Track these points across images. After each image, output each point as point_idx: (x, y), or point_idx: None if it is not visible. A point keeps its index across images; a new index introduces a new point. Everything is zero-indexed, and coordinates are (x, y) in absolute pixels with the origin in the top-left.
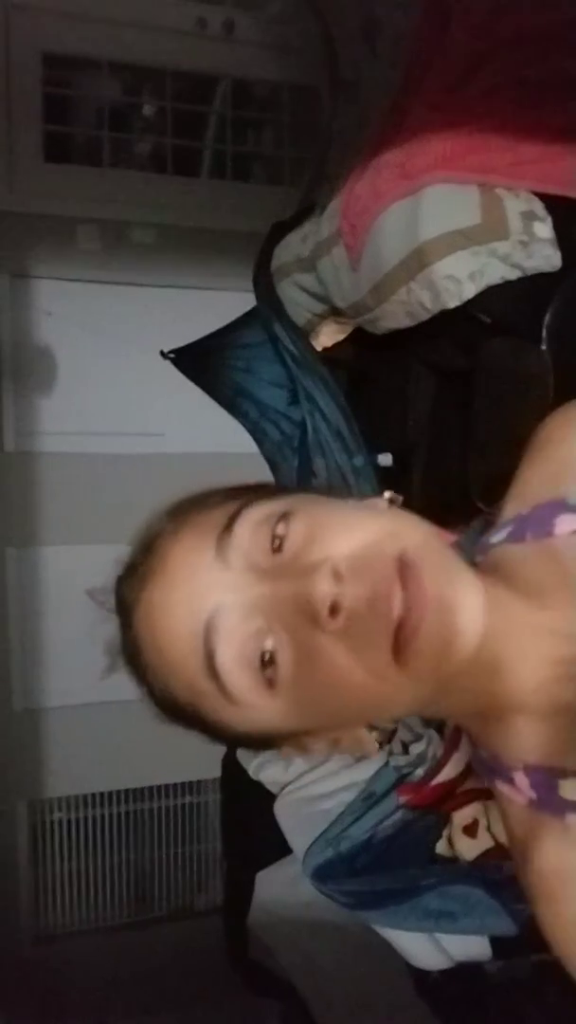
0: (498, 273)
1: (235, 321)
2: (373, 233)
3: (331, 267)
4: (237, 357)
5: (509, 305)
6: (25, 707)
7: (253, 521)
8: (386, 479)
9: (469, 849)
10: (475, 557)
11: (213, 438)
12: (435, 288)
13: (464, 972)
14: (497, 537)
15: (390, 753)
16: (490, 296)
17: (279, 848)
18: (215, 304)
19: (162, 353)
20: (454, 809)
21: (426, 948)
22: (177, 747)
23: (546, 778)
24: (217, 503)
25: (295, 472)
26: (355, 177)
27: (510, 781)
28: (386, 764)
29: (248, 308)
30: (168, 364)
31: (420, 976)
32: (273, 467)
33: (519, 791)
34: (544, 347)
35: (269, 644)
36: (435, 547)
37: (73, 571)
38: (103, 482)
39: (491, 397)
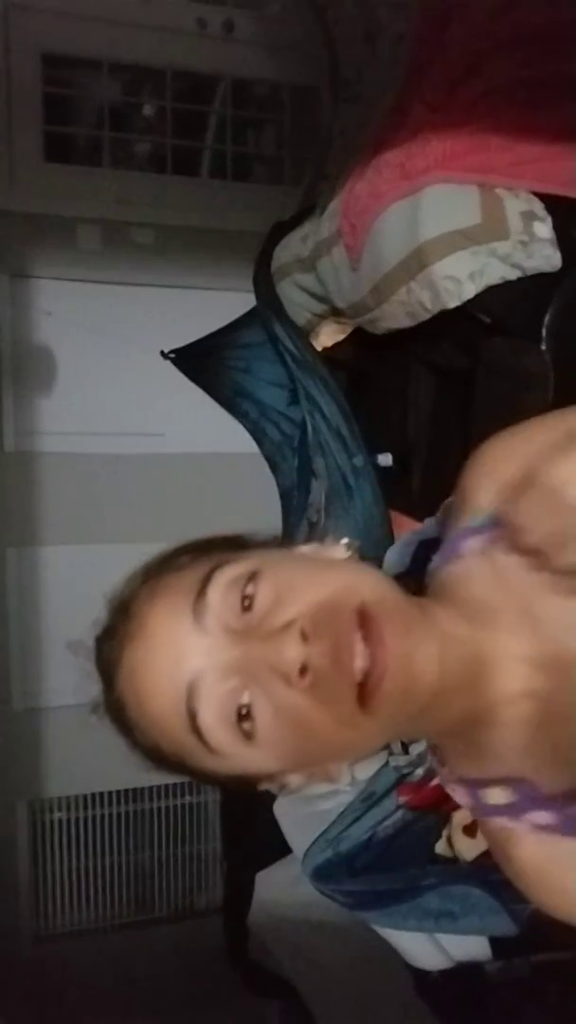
0: (498, 273)
1: (235, 321)
2: (373, 233)
3: (331, 267)
4: (237, 357)
5: (509, 305)
6: (25, 707)
7: (223, 584)
8: (386, 479)
9: (469, 849)
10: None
11: (213, 438)
12: (435, 288)
13: (464, 972)
14: (436, 560)
15: (390, 753)
16: (490, 296)
17: (279, 848)
18: (215, 304)
19: (162, 353)
20: (454, 809)
21: (426, 948)
22: None
23: (472, 789)
24: (187, 564)
25: (295, 472)
26: (355, 177)
27: (454, 792)
28: (386, 764)
29: (248, 308)
30: (168, 364)
31: (420, 976)
32: (273, 467)
33: (462, 800)
34: (544, 347)
35: (245, 699)
36: (391, 597)
37: (73, 571)
38: (103, 482)
39: (491, 397)
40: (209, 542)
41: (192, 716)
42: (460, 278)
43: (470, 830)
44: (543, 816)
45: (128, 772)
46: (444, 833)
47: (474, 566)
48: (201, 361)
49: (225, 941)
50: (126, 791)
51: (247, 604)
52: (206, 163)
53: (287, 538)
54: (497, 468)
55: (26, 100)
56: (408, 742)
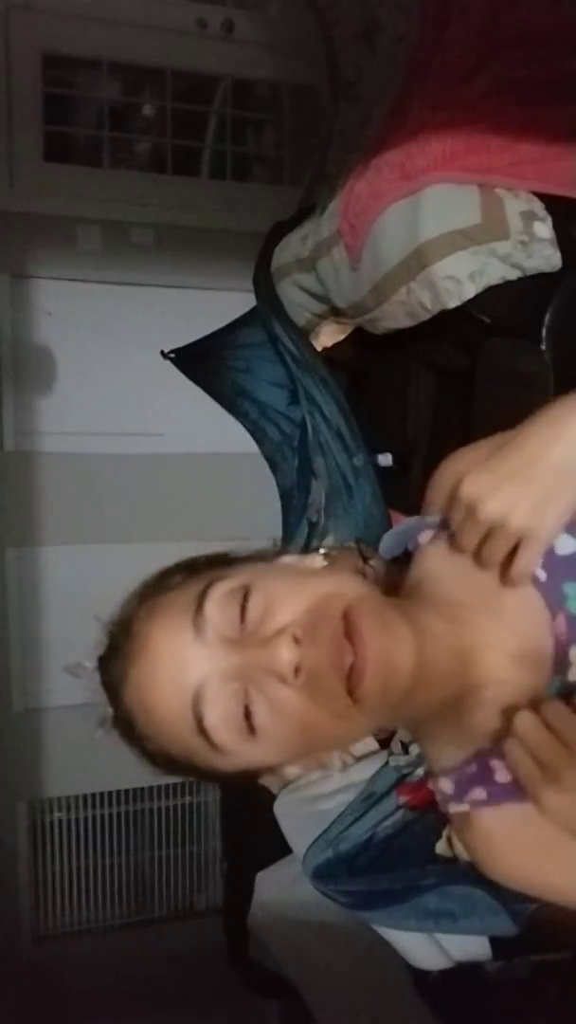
0: (498, 273)
1: (235, 321)
2: (373, 233)
3: (331, 267)
4: (237, 357)
5: (509, 305)
6: (25, 707)
7: (218, 599)
8: (386, 479)
9: None
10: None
11: (213, 438)
12: (435, 288)
13: (464, 972)
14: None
15: (390, 753)
16: (490, 296)
17: (279, 848)
18: (215, 304)
19: (162, 353)
20: None
21: (426, 948)
22: None
23: (433, 779)
24: (180, 583)
25: (295, 472)
26: (355, 177)
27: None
28: (386, 764)
29: (248, 308)
30: (168, 364)
31: (420, 976)
32: (273, 467)
33: (448, 790)
34: (544, 347)
35: (246, 700)
36: (370, 601)
37: (73, 571)
38: (103, 482)
39: (491, 397)
40: (197, 562)
41: (199, 720)
42: (460, 278)
43: None
44: (479, 792)
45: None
46: (444, 833)
47: (439, 566)
48: (201, 361)
49: (225, 941)
50: (126, 791)
51: (241, 616)
52: (206, 163)
53: (287, 537)
54: (446, 477)
55: (26, 100)
56: (393, 730)
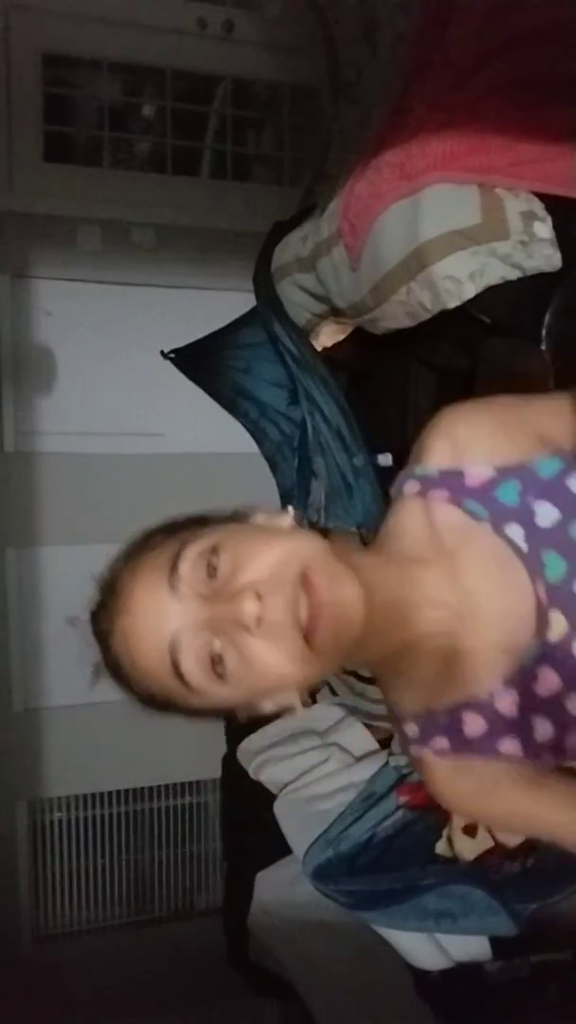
0: (498, 273)
1: (235, 321)
2: (373, 233)
3: (331, 267)
4: (237, 357)
5: (509, 305)
6: (25, 707)
7: (191, 558)
8: (386, 479)
9: (469, 849)
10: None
11: (213, 438)
12: (435, 288)
13: (464, 972)
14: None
15: (390, 754)
16: (490, 296)
17: (279, 848)
18: (215, 304)
19: (162, 353)
20: None
21: (426, 948)
22: (177, 747)
23: (397, 721)
24: (160, 543)
25: (295, 472)
26: (355, 177)
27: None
28: (386, 764)
29: (248, 308)
30: (168, 364)
31: (420, 976)
32: (273, 467)
33: (411, 733)
34: (544, 347)
35: (216, 648)
36: (325, 559)
37: (73, 571)
38: (103, 482)
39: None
40: (176, 523)
41: (176, 665)
42: (460, 278)
43: (470, 830)
44: (442, 741)
45: (128, 772)
46: (444, 833)
47: (411, 521)
48: (201, 361)
49: (225, 941)
50: (126, 791)
51: (212, 572)
52: (206, 163)
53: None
54: (452, 431)
55: (26, 100)
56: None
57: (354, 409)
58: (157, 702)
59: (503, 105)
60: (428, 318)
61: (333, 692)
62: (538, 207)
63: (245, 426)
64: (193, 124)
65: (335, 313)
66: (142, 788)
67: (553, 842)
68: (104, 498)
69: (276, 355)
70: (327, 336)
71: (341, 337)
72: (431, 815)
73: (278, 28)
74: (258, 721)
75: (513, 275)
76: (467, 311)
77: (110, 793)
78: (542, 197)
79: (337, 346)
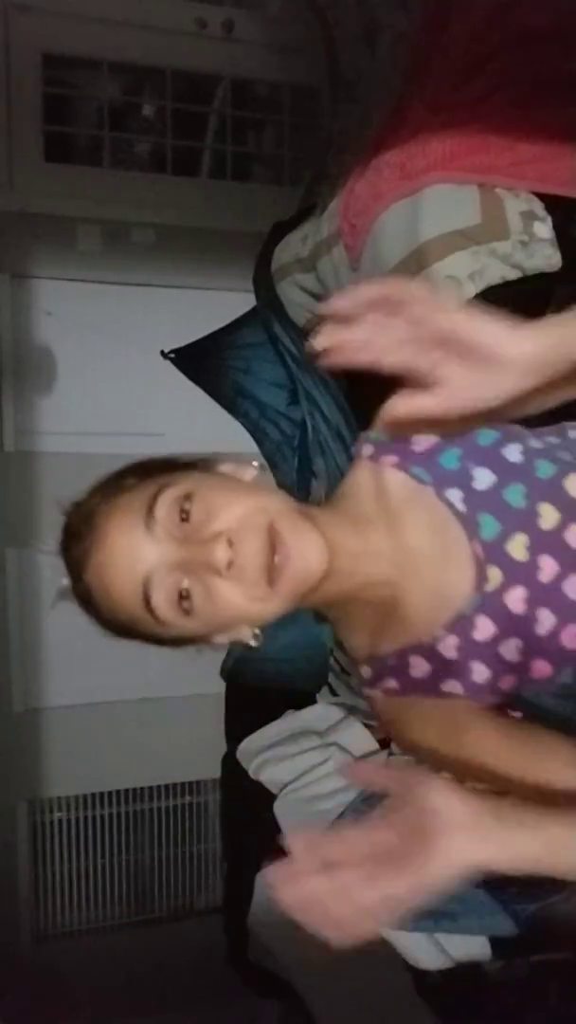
0: (498, 273)
1: (235, 321)
2: (373, 233)
3: (331, 267)
4: (237, 357)
5: (509, 305)
6: (25, 707)
7: (167, 503)
8: None
9: None
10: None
11: (213, 438)
12: (435, 288)
13: (464, 972)
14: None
15: (390, 754)
16: (490, 296)
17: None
18: (215, 304)
19: (162, 353)
20: None
21: (426, 948)
22: (177, 747)
23: (354, 664)
24: (135, 485)
25: (295, 472)
26: (355, 177)
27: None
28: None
29: (248, 308)
30: (168, 364)
31: (420, 976)
32: (273, 467)
33: (366, 675)
34: None
35: (185, 584)
36: (289, 513)
37: None
38: None
39: None
40: (148, 465)
41: (147, 599)
42: (460, 278)
43: None
44: (392, 682)
45: (128, 772)
46: None
47: (362, 482)
48: (201, 361)
49: (225, 941)
50: (126, 791)
51: (185, 517)
52: (206, 163)
53: None
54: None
55: (26, 100)
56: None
57: (354, 409)
58: (122, 628)
59: (503, 105)
60: None
61: (333, 692)
62: (538, 207)
63: (245, 426)
64: (193, 124)
65: None
66: (142, 788)
67: (490, 781)
68: None
69: (276, 355)
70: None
71: None
72: None
73: (278, 28)
74: (258, 721)
75: (513, 275)
76: None
77: (110, 793)
78: (542, 197)
79: None
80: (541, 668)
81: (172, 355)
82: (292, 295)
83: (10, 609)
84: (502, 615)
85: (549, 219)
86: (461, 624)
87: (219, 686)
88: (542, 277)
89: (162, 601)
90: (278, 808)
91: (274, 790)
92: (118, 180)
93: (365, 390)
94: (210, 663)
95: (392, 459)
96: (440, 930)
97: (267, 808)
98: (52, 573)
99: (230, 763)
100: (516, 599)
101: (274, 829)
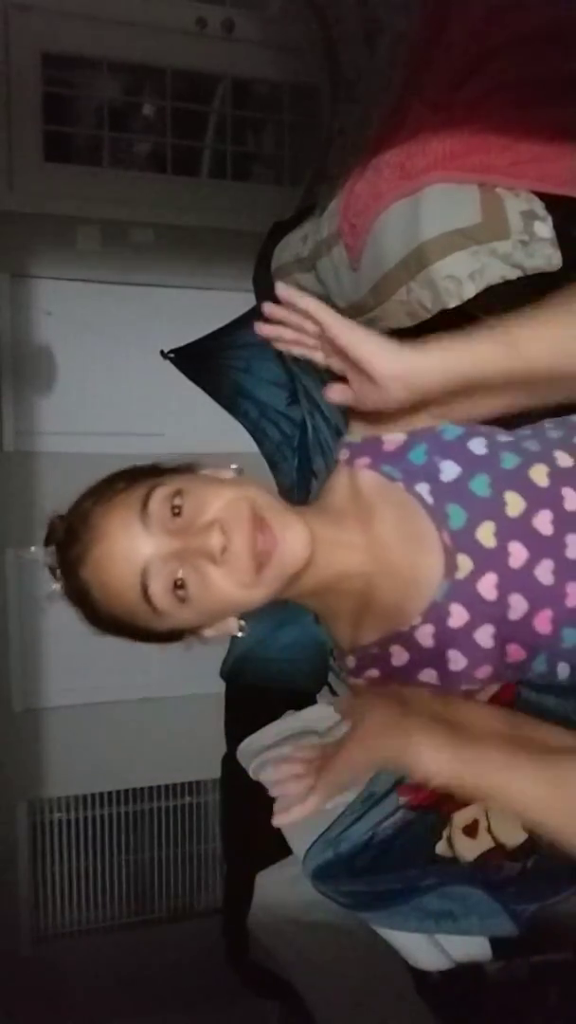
0: (498, 272)
1: (235, 321)
2: (373, 233)
3: (331, 267)
4: (237, 357)
5: (509, 305)
6: (25, 707)
7: (159, 500)
8: None
9: (469, 850)
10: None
11: (213, 438)
12: (435, 288)
13: (464, 973)
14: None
15: None
16: (490, 296)
17: (279, 849)
18: (215, 304)
19: (162, 353)
20: (454, 810)
21: (426, 949)
22: (177, 747)
23: (340, 655)
24: (126, 487)
25: (295, 472)
26: (355, 177)
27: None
28: None
29: (248, 308)
30: (168, 364)
31: (420, 976)
32: (273, 467)
33: (350, 664)
34: None
35: (180, 574)
36: (271, 501)
37: None
38: None
39: None
40: (135, 471)
41: (145, 589)
42: (460, 278)
43: (470, 831)
44: (374, 671)
45: (128, 772)
46: (444, 834)
47: (339, 483)
48: (201, 361)
49: (225, 941)
50: (126, 791)
51: (176, 512)
52: (206, 163)
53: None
54: None
55: (26, 100)
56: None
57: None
58: (116, 623)
59: (503, 104)
60: (428, 318)
61: (333, 692)
62: (538, 206)
63: (245, 426)
64: (193, 124)
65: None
66: (142, 788)
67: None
68: None
69: (276, 355)
70: None
71: None
72: (431, 816)
73: (278, 27)
74: (258, 721)
75: (513, 275)
76: (467, 311)
77: (110, 793)
78: (542, 196)
79: None
80: (515, 653)
81: (172, 355)
82: None
83: (10, 609)
84: (475, 602)
85: (550, 219)
86: (436, 612)
87: (219, 686)
88: (543, 277)
89: (159, 589)
90: None
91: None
92: (118, 180)
93: None
94: (210, 663)
95: (365, 460)
96: (440, 931)
97: (267, 809)
98: (51, 573)
99: (230, 763)
100: (488, 585)
101: (274, 829)
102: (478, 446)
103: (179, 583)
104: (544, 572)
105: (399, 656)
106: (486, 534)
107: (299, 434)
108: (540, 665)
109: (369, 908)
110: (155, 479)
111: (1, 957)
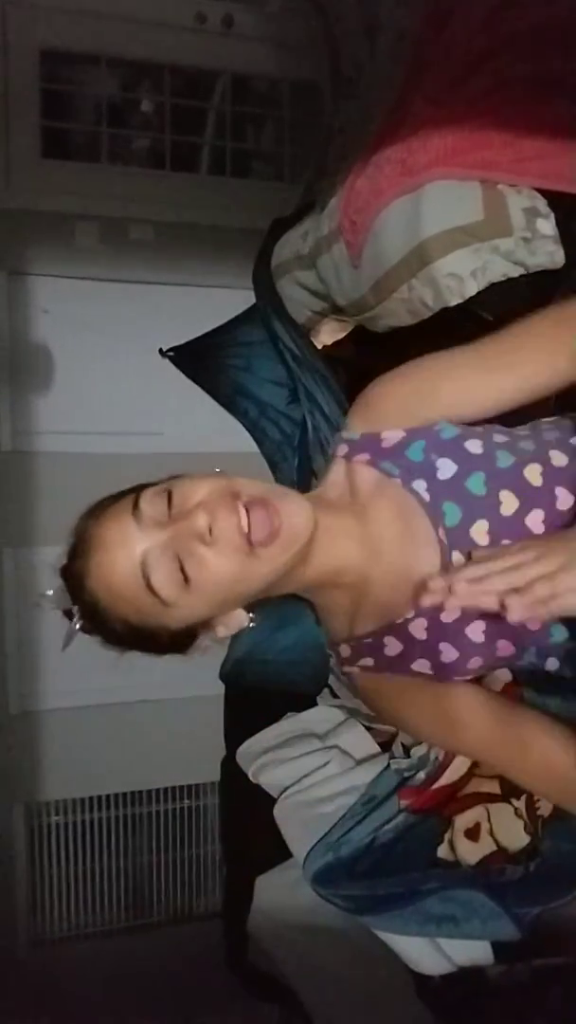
0: (500, 270)
1: (235, 319)
2: (374, 230)
3: (331, 264)
4: (237, 355)
5: (511, 302)
6: (22, 709)
7: (149, 498)
8: None
9: (471, 853)
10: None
11: (213, 438)
12: (437, 285)
13: (466, 976)
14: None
15: (391, 757)
16: (492, 293)
17: (279, 852)
18: (214, 302)
19: (161, 351)
20: (456, 813)
21: (427, 952)
22: (176, 750)
23: (333, 644)
24: (115, 500)
25: (295, 472)
26: (356, 173)
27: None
28: (387, 767)
29: (248, 306)
30: (167, 362)
31: (421, 980)
32: (273, 467)
33: (345, 653)
34: None
35: (179, 561)
36: (262, 485)
37: None
38: (101, 481)
39: None
40: (124, 490)
41: (147, 580)
42: (462, 275)
43: (472, 834)
44: (368, 660)
45: (126, 775)
46: (446, 837)
47: (337, 478)
48: (200, 359)
49: (224, 945)
50: (124, 794)
51: (167, 505)
52: (205, 159)
53: None
54: (373, 401)
55: (24, 96)
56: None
57: None
58: (133, 631)
59: (505, 101)
60: (430, 316)
61: (334, 694)
62: (541, 204)
63: (245, 425)
64: (192, 120)
65: (336, 311)
66: (140, 791)
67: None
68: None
69: (276, 353)
70: (327, 334)
71: (342, 335)
72: (433, 819)
73: (278, 23)
74: (258, 724)
75: (516, 272)
76: (469, 308)
77: (108, 796)
78: (545, 193)
79: (338, 344)
80: (504, 648)
81: (171, 353)
82: (292, 292)
83: (7, 610)
84: None
85: (552, 216)
86: (430, 606)
87: (218, 688)
88: (545, 274)
89: (161, 578)
90: (278, 811)
91: (274, 793)
92: (116, 176)
93: (366, 389)
94: (209, 665)
95: (364, 456)
96: (442, 934)
97: (267, 812)
98: (50, 574)
99: (229, 766)
100: None
101: (274, 833)
102: (474, 446)
103: (180, 567)
104: None
105: (392, 647)
106: (479, 532)
107: (299, 433)
108: (530, 657)
109: (370, 912)
110: (143, 486)
111: None
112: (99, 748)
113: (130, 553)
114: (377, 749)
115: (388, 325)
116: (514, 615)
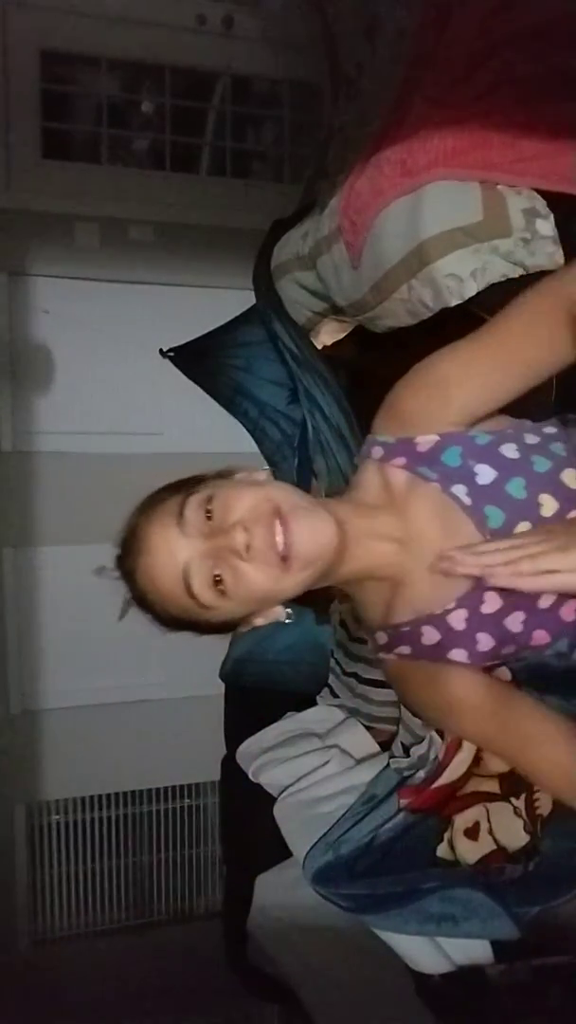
0: (500, 271)
1: (235, 319)
2: (374, 231)
3: (331, 265)
4: (237, 356)
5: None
6: (23, 709)
7: (193, 507)
8: None
9: (471, 852)
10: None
11: (213, 438)
12: (436, 286)
13: (465, 976)
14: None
15: (391, 756)
16: (492, 294)
17: (279, 851)
18: (214, 302)
19: (161, 352)
20: (455, 812)
21: (427, 952)
22: (176, 749)
23: (369, 632)
24: (165, 498)
25: (295, 472)
26: (356, 174)
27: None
28: (387, 767)
29: (248, 306)
30: (167, 363)
31: (421, 980)
32: (273, 467)
33: (381, 641)
34: None
35: (217, 571)
36: (294, 500)
37: (70, 571)
38: (101, 481)
39: None
40: (179, 481)
41: (188, 587)
42: (462, 276)
43: (472, 833)
44: (405, 648)
45: (126, 775)
46: (445, 836)
47: (370, 480)
48: (200, 360)
49: (224, 945)
50: (124, 794)
51: (208, 515)
52: (205, 160)
53: None
54: (400, 404)
55: (24, 97)
56: (394, 732)
57: (355, 408)
58: (177, 621)
59: (505, 101)
60: (429, 316)
61: (334, 694)
62: (540, 204)
63: (245, 425)
64: (192, 121)
65: (335, 311)
66: (141, 791)
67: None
68: (102, 497)
69: (276, 354)
70: (327, 334)
71: (342, 335)
72: (432, 818)
73: (278, 24)
74: (258, 724)
75: (515, 273)
76: (469, 309)
77: (108, 796)
78: (544, 194)
79: (337, 344)
80: (540, 637)
81: (171, 353)
82: (292, 293)
83: (7, 609)
84: (509, 591)
85: (551, 216)
86: (470, 599)
87: (218, 688)
88: (545, 275)
89: (200, 586)
90: (278, 811)
91: (274, 793)
92: (116, 177)
93: (366, 389)
94: (209, 665)
95: (400, 460)
96: (441, 933)
97: (267, 811)
98: (51, 574)
99: (229, 766)
100: None
101: (274, 832)
102: (510, 451)
103: (217, 579)
104: None
105: (430, 636)
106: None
107: (299, 433)
108: (561, 647)
109: (370, 911)
110: (192, 487)
111: None
112: (99, 748)
113: (174, 561)
114: (377, 748)
115: (388, 326)
116: (493, 581)
